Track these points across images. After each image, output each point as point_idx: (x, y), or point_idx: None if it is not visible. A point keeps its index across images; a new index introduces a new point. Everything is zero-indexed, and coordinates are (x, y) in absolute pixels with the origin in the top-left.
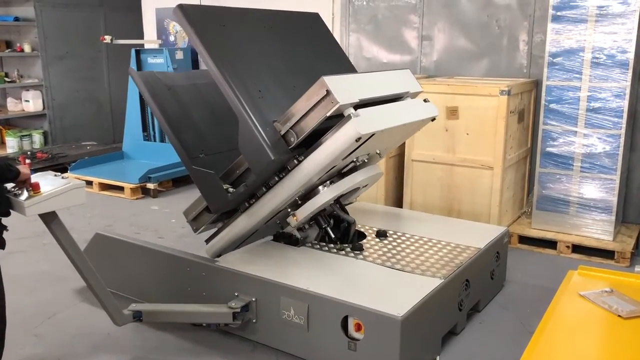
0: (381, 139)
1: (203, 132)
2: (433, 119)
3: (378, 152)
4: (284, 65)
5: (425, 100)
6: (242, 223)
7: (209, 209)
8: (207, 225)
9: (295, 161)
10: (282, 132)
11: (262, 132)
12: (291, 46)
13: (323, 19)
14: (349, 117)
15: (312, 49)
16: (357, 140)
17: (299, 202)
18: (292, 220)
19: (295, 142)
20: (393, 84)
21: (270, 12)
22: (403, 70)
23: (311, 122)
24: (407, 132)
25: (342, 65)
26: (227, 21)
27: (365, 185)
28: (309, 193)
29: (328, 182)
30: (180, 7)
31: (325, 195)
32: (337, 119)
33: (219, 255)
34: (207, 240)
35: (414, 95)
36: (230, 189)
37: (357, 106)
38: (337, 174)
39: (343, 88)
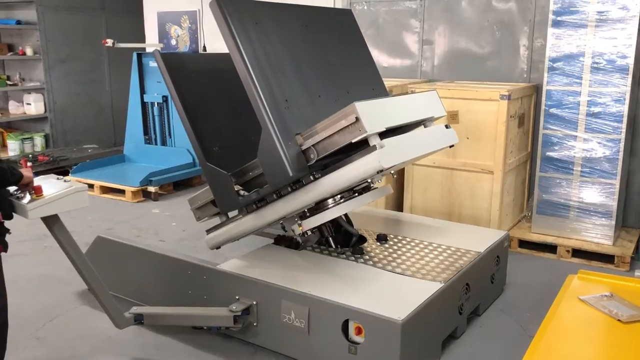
0: (400, 164)
1: (219, 123)
2: (451, 146)
3: (392, 172)
4: (312, 70)
5: (446, 127)
6: (248, 223)
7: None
8: (210, 216)
9: (312, 177)
10: (303, 148)
11: (284, 146)
12: (321, 47)
13: None
14: (374, 147)
15: (341, 51)
16: (379, 172)
17: (307, 213)
18: (297, 229)
19: (315, 160)
20: (419, 109)
21: (305, 9)
22: (430, 92)
23: (335, 144)
24: (424, 156)
25: (368, 70)
26: (262, 18)
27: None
28: (318, 204)
29: (338, 196)
30: (218, 1)
31: (335, 212)
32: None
33: (218, 247)
34: (209, 231)
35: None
36: (242, 192)
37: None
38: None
39: (372, 115)
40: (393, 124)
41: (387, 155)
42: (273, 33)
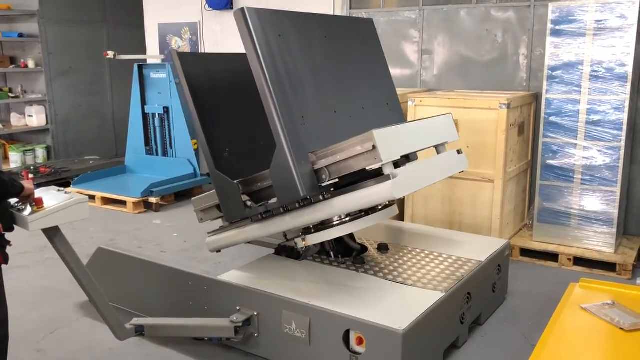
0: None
1: (230, 127)
2: (461, 172)
3: None
4: (330, 84)
5: (458, 152)
6: (252, 232)
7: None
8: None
9: (321, 197)
10: (316, 167)
11: (297, 165)
12: (340, 60)
13: None
14: (389, 177)
15: (359, 63)
16: (390, 202)
17: (312, 229)
18: (301, 242)
19: (327, 181)
20: (433, 135)
21: (327, 19)
22: (446, 115)
23: (349, 168)
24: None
25: (384, 83)
26: (285, 30)
27: None
28: (324, 221)
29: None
30: (243, 11)
31: (340, 231)
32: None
33: (218, 251)
34: (210, 233)
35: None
36: (249, 203)
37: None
38: None
39: (389, 143)
40: (408, 151)
41: (400, 185)
42: (295, 45)
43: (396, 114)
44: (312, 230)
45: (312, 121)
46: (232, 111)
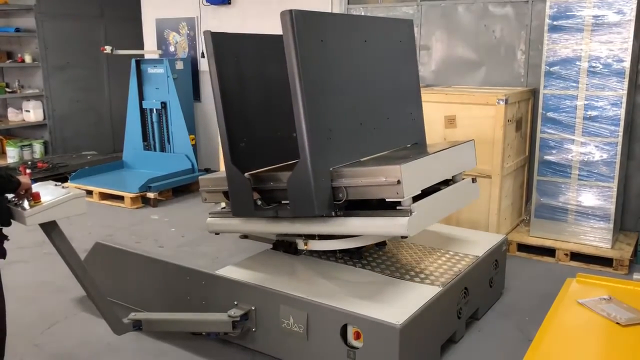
0: None
1: (251, 115)
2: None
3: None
4: (362, 94)
5: (473, 180)
6: (255, 226)
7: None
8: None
9: (333, 213)
10: (335, 185)
11: (316, 183)
12: (375, 66)
13: None
14: (405, 213)
15: (392, 69)
16: (402, 238)
17: (316, 237)
18: (302, 244)
19: (342, 201)
20: (455, 164)
21: (368, 21)
22: (468, 143)
23: (368, 194)
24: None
25: (411, 89)
26: (329, 34)
27: None
28: None
29: None
30: (291, 14)
31: (343, 244)
32: None
33: (217, 233)
34: (212, 214)
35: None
36: (259, 202)
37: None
38: None
39: (413, 179)
40: (429, 184)
41: (415, 223)
42: (336, 52)
43: (417, 126)
44: (316, 237)
45: (339, 135)
46: (255, 98)
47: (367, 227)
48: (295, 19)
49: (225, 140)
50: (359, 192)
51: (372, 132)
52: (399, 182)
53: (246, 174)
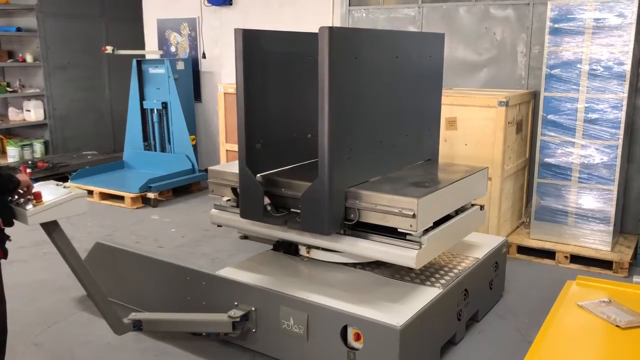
0: None
1: (270, 116)
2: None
3: None
4: (386, 111)
5: (481, 208)
6: (262, 228)
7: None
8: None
9: (342, 231)
10: (348, 205)
11: (330, 203)
12: (404, 84)
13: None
14: (415, 245)
15: (419, 87)
16: (409, 268)
17: (320, 247)
18: (304, 251)
19: (354, 221)
20: (467, 193)
21: (404, 37)
22: (482, 171)
23: (379, 219)
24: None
25: (432, 104)
26: (362, 51)
27: None
28: None
29: None
30: (331, 30)
31: (346, 258)
32: None
33: (219, 226)
34: (217, 207)
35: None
36: (269, 207)
37: None
38: None
39: (427, 212)
40: (441, 215)
41: (423, 255)
42: (367, 70)
43: (433, 142)
44: (320, 248)
45: (358, 154)
46: (276, 98)
47: (375, 252)
48: (335, 36)
49: (243, 142)
50: (372, 217)
51: (390, 149)
52: (414, 215)
53: (258, 176)
